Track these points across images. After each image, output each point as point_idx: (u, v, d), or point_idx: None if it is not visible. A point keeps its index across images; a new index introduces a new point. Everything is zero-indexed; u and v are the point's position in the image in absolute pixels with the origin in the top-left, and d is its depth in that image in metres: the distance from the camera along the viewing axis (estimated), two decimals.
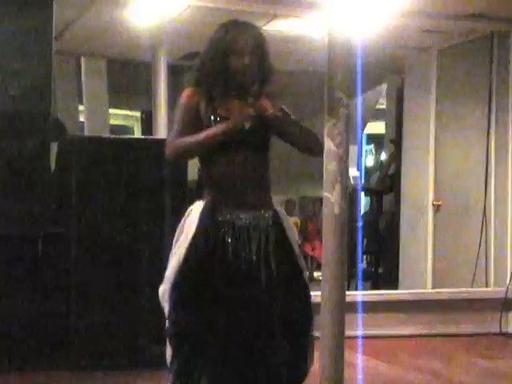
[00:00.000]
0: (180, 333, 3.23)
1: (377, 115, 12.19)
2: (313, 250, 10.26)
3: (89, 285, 5.46)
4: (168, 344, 3.27)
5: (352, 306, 5.85)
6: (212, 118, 3.27)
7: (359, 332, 5.96)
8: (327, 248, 4.66)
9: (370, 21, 6.10)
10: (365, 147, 13.86)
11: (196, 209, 3.30)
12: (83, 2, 6.60)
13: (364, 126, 11.84)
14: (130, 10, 6.67)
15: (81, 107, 10.34)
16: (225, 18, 3.46)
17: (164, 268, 3.35)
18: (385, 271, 9.50)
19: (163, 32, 7.05)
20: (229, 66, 3.28)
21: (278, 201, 3.43)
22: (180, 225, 3.33)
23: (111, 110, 11.29)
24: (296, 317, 3.30)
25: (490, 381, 5.60)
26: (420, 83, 8.15)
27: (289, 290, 3.29)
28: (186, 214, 3.34)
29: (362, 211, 10.15)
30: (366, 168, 13.13)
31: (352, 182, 9.51)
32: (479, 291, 7.14)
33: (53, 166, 5.68)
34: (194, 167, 5.61)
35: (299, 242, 3.72)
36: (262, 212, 3.29)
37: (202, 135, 3.25)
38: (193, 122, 3.29)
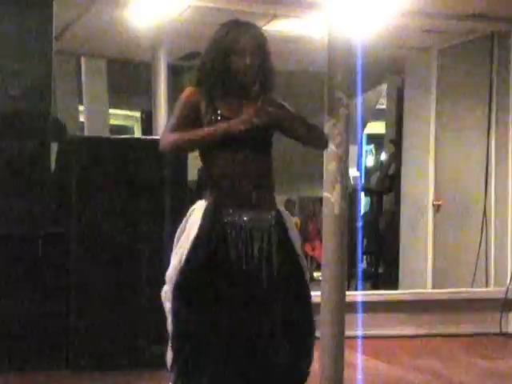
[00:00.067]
0: (182, 333, 3.23)
1: (377, 115, 12.20)
2: (313, 250, 10.27)
3: (89, 285, 5.46)
4: (170, 344, 3.27)
5: (352, 306, 5.85)
6: (213, 117, 3.27)
7: (359, 332, 5.96)
8: (327, 248, 4.67)
9: (369, 21, 6.10)
10: (365, 147, 13.87)
11: (198, 209, 3.29)
12: (83, 2, 6.61)
13: (364, 126, 11.85)
14: (130, 10, 6.67)
15: (81, 107, 10.35)
16: (225, 18, 3.45)
17: (164, 268, 3.35)
18: (385, 271, 9.51)
19: (163, 32, 7.06)
20: (230, 65, 3.27)
21: (278, 200, 3.43)
22: (182, 224, 3.32)
23: (111, 110, 11.31)
24: (297, 317, 3.30)
25: (490, 381, 5.60)
26: (420, 83, 8.15)
27: (290, 291, 3.29)
28: (188, 213, 3.33)
29: (362, 211, 10.15)
30: (366, 168, 13.13)
31: (352, 182, 9.52)
32: (479, 291, 7.14)
33: (53, 166, 5.68)
34: (194, 167, 5.61)
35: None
36: (265, 212, 3.28)
37: (202, 131, 3.24)
38: (190, 119, 3.28)
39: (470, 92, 7.63)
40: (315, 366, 3.46)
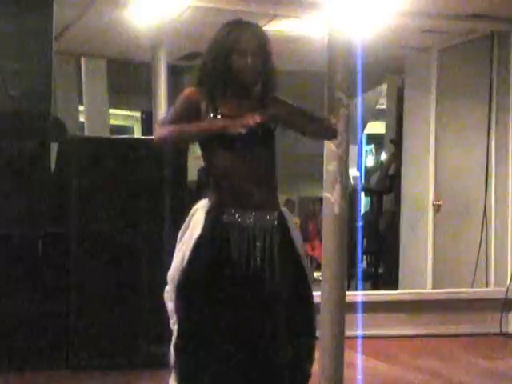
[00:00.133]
0: (185, 332, 3.23)
1: (377, 115, 12.19)
2: (313, 249, 10.27)
3: (89, 285, 5.46)
4: (173, 343, 3.26)
5: (352, 306, 5.85)
6: (212, 116, 3.26)
7: (359, 332, 5.97)
8: (327, 248, 4.67)
9: (370, 21, 6.10)
10: (365, 147, 13.86)
11: (201, 208, 3.28)
12: (83, 2, 6.61)
13: (364, 126, 11.85)
14: (130, 10, 6.67)
15: (81, 107, 10.35)
16: (225, 18, 3.45)
17: (164, 268, 3.35)
18: (385, 271, 9.51)
19: (163, 32, 7.06)
20: (231, 65, 3.26)
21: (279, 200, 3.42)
22: (185, 223, 3.31)
23: (111, 110, 11.30)
24: (298, 318, 3.30)
25: (490, 381, 5.60)
26: (420, 83, 8.15)
27: (292, 292, 3.28)
28: (191, 212, 3.32)
29: (362, 211, 10.15)
30: (366, 168, 13.13)
31: (352, 182, 9.51)
32: (479, 291, 7.14)
33: (53, 166, 5.68)
34: (194, 167, 5.62)
35: None
36: (268, 213, 3.28)
37: (197, 125, 3.23)
38: (188, 116, 3.26)
39: (470, 92, 7.63)
40: (315, 366, 3.46)
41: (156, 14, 6.68)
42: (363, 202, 10.74)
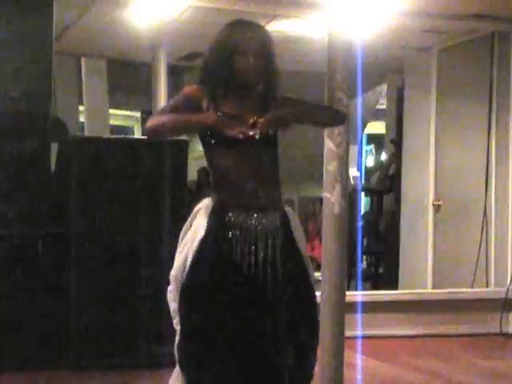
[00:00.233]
0: (189, 332, 3.22)
1: (377, 115, 12.20)
2: (313, 250, 10.26)
3: (89, 285, 5.46)
4: (176, 342, 3.26)
5: (352, 306, 5.85)
6: None
7: (359, 332, 5.97)
8: (327, 248, 4.67)
9: (370, 21, 6.10)
10: (365, 147, 13.87)
11: (204, 208, 3.27)
12: (83, 3, 6.61)
13: (364, 126, 11.86)
14: (130, 10, 6.67)
15: (81, 107, 10.35)
16: (225, 18, 3.45)
17: (164, 268, 3.35)
18: (385, 271, 9.51)
19: (163, 32, 7.05)
20: (233, 65, 3.25)
21: None
22: (187, 223, 3.30)
23: (111, 111, 11.30)
24: (301, 319, 3.29)
25: (490, 381, 5.60)
26: (420, 83, 8.15)
27: (294, 292, 3.28)
28: (194, 213, 3.30)
29: (362, 211, 10.15)
30: (366, 168, 13.14)
31: (352, 182, 9.51)
32: (479, 291, 7.15)
33: (53, 166, 5.68)
34: (194, 167, 5.62)
35: None
36: (271, 213, 3.27)
37: (201, 115, 3.22)
38: (186, 112, 3.24)
39: (470, 92, 7.63)
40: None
41: (156, 14, 6.68)
42: (363, 202, 10.74)
